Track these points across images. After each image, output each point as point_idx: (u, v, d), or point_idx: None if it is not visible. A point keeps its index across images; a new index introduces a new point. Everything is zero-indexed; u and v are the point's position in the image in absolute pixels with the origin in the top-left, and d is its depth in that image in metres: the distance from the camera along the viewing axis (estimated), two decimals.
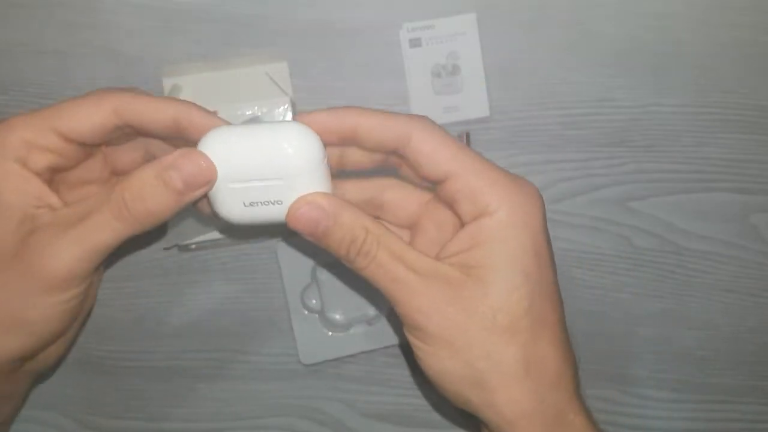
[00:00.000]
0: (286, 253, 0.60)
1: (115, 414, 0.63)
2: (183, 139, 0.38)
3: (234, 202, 0.36)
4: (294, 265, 0.60)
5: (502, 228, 0.34)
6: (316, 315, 0.61)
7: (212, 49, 0.59)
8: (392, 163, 0.40)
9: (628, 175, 0.61)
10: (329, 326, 0.61)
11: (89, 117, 0.37)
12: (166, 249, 0.61)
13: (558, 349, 0.35)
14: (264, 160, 0.34)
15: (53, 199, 0.37)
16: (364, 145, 0.37)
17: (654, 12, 0.59)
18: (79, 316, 0.41)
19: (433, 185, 0.38)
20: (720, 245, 0.62)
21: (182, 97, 0.60)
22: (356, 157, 0.39)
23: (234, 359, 0.63)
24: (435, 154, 0.35)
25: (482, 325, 0.33)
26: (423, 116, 0.37)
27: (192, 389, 0.63)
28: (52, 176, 0.38)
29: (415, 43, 0.60)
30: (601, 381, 0.64)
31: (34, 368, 0.42)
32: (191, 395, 0.63)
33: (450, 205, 0.37)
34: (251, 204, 0.35)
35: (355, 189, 0.40)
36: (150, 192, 0.34)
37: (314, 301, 0.60)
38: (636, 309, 0.63)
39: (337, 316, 0.60)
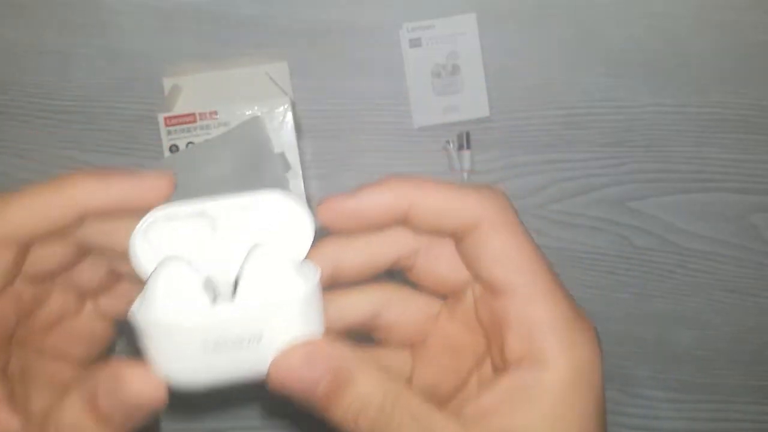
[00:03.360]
0: None
1: None
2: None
3: (190, 348, 0.24)
4: None
5: (560, 388, 0.26)
6: None
7: (212, 49, 0.59)
8: (401, 267, 0.30)
9: (628, 175, 0.61)
10: None
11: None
12: None
13: None
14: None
15: (13, 423, 0.27)
16: (415, 227, 0.28)
17: (654, 12, 0.59)
18: None
19: (486, 291, 0.28)
20: (720, 245, 0.62)
21: (182, 97, 0.60)
22: (354, 269, 0.29)
23: None
24: (504, 254, 0.27)
25: None
26: (496, 191, 0.27)
27: None
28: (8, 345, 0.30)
29: (415, 43, 0.60)
30: None
31: None
32: (191, 395, 0.63)
33: (493, 324, 0.28)
34: (216, 347, 0.24)
35: (347, 305, 0.30)
36: (81, 426, 0.26)
37: None
38: (636, 309, 0.63)
39: None
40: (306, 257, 0.27)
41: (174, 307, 0.24)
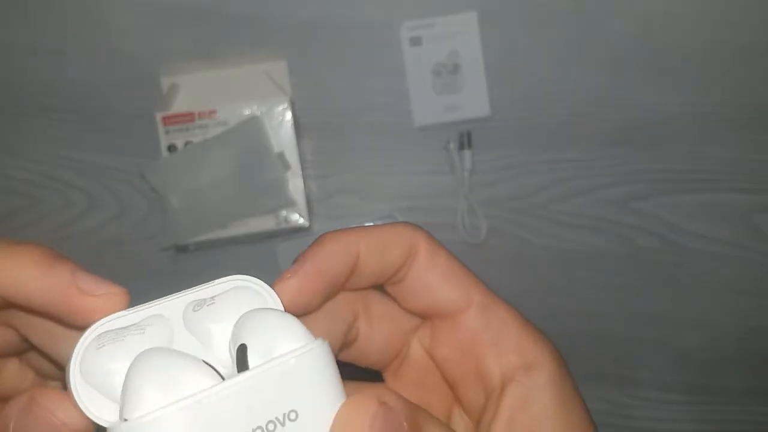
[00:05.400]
0: (285, 253, 0.60)
1: None
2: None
3: None
4: None
5: (559, 385, 0.25)
6: None
7: (211, 47, 0.59)
8: (345, 344, 0.27)
9: (630, 175, 0.61)
10: None
11: None
12: (164, 249, 0.60)
13: None
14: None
15: None
16: (362, 275, 0.25)
17: (656, 12, 0.59)
18: None
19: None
20: (723, 245, 0.62)
21: (181, 96, 0.60)
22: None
23: None
24: (451, 273, 0.25)
25: None
26: (412, 223, 0.26)
27: None
28: None
29: (415, 41, 0.59)
30: (604, 382, 0.63)
31: None
32: None
33: (461, 354, 0.26)
34: None
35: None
36: None
37: None
38: (639, 309, 0.63)
39: None
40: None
41: (177, 396, 0.18)
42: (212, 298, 0.21)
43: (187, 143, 0.57)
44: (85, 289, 0.20)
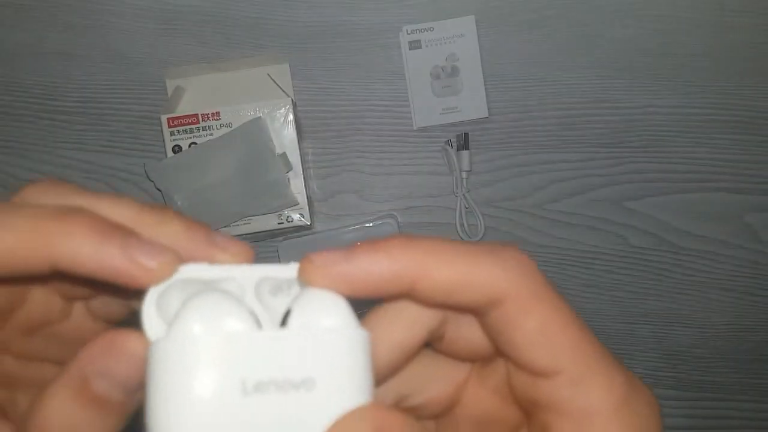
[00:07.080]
0: (287, 252, 0.61)
1: None
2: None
3: (226, 385, 0.19)
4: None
5: None
6: None
7: (215, 50, 0.60)
8: (431, 340, 0.26)
9: (625, 176, 0.62)
10: None
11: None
12: None
13: None
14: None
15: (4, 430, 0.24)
16: (421, 302, 0.23)
17: (651, 15, 0.60)
18: None
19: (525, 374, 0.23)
20: (715, 244, 0.63)
21: (185, 98, 0.61)
22: (389, 360, 0.24)
23: None
24: (541, 335, 0.22)
25: None
26: (520, 256, 0.22)
27: None
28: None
29: (414, 45, 0.60)
30: None
31: None
32: None
33: (535, 405, 0.23)
34: (257, 388, 0.20)
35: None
36: (71, 422, 0.21)
37: None
38: (633, 307, 0.64)
39: None
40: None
41: (211, 330, 0.20)
42: (288, 282, 0.22)
43: (191, 144, 0.58)
44: (140, 261, 0.21)
